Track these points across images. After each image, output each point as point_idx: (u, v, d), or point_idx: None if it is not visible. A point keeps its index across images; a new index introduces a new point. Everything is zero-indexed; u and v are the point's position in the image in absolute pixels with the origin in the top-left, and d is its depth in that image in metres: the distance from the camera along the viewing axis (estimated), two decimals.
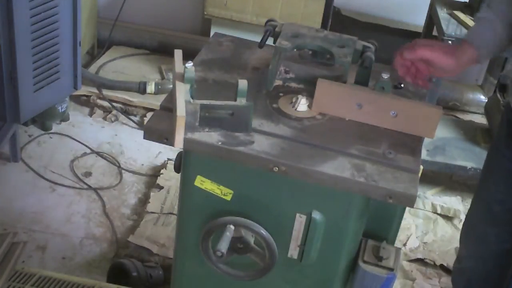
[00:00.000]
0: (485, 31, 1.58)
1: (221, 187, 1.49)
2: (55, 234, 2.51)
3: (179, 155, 1.54)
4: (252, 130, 1.44)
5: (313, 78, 1.58)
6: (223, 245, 1.44)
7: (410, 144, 1.50)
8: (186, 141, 1.39)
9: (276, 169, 1.38)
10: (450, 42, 2.53)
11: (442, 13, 2.76)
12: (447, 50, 1.56)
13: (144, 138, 1.45)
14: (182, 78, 1.43)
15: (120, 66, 3.51)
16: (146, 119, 3.22)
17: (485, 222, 1.91)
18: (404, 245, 2.64)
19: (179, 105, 1.36)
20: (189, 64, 1.44)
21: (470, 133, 3.04)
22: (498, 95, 2.88)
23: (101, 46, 3.63)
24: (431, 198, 2.87)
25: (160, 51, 3.65)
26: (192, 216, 1.57)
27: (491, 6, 1.60)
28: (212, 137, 1.41)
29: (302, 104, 1.55)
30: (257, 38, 1.69)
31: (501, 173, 1.82)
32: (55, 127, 3.10)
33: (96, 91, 3.26)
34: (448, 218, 2.81)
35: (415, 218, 2.79)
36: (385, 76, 1.53)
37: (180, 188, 1.57)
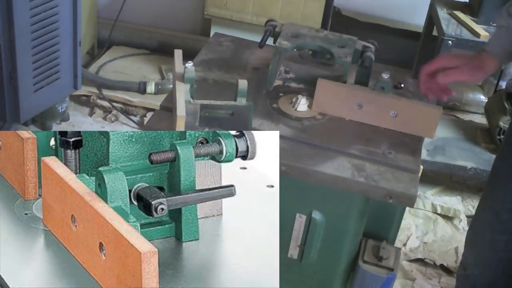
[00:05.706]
0: (506, 39, 1.57)
1: None
2: None
3: None
4: (252, 130, 1.45)
5: (313, 78, 1.58)
6: None
7: (410, 144, 1.50)
8: None
9: None
10: (450, 42, 2.54)
11: (442, 13, 2.76)
12: (473, 67, 1.56)
13: None
14: (182, 78, 1.43)
15: (120, 66, 3.51)
16: (146, 119, 3.22)
17: (494, 230, 1.90)
18: (404, 245, 2.64)
19: (179, 105, 1.36)
20: (189, 64, 1.44)
21: (470, 133, 3.03)
22: (505, 103, 2.86)
23: (101, 46, 3.63)
24: (431, 198, 2.86)
25: (160, 51, 3.65)
26: None
27: (511, 14, 1.59)
28: None
29: (302, 104, 1.55)
30: (257, 38, 1.69)
31: (510, 183, 1.82)
32: (55, 127, 3.09)
33: (96, 91, 3.25)
34: (448, 218, 2.80)
35: (415, 218, 2.79)
36: (385, 76, 1.53)
37: None
